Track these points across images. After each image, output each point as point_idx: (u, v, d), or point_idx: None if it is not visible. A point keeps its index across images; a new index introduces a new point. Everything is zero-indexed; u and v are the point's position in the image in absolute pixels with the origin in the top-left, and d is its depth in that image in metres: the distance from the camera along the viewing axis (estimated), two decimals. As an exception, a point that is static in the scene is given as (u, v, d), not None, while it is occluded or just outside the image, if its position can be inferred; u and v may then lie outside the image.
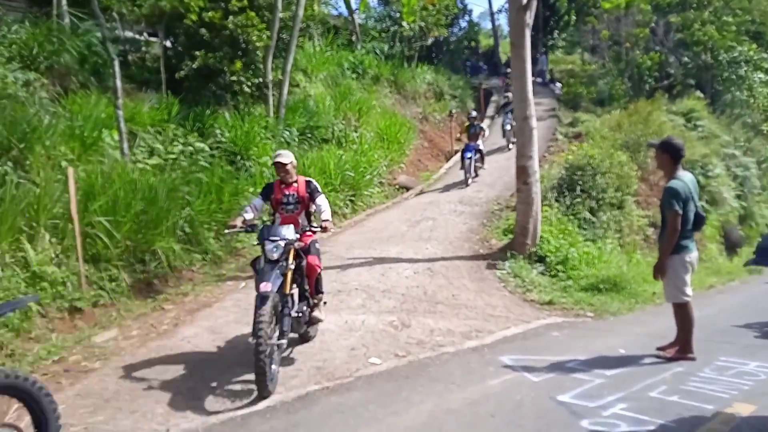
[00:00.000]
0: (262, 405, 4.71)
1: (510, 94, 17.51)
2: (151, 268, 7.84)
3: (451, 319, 7.19)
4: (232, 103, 12.32)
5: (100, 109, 9.39)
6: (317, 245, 5.95)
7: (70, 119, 8.87)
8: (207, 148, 10.76)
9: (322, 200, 5.86)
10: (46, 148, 7.94)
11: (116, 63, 9.14)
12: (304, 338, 6.10)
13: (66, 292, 6.66)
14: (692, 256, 5.57)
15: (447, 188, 14.99)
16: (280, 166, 5.85)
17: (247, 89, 12.42)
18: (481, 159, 15.70)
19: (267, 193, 6.03)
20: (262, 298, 4.87)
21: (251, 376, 5.08)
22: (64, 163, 7.87)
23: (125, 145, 9.09)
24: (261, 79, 12.75)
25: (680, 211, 5.36)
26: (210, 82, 11.89)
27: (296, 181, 5.95)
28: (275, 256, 5.16)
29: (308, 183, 5.97)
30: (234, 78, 12.02)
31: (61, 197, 7.24)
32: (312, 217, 6.16)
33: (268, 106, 12.89)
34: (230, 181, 10.04)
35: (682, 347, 5.68)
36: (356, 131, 15.32)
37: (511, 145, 16.93)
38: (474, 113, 16.80)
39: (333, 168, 12.59)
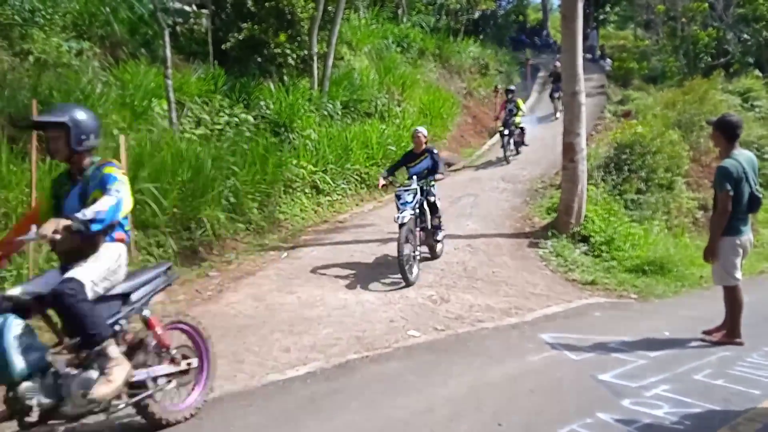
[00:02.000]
0: (302, 371, 4.80)
1: (558, 63, 17.04)
2: (196, 235, 8.03)
3: (490, 295, 7.16)
4: (276, 76, 12.38)
5: (150, 79, 9.57)
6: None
7: (122, 88, 9.08)
8: (252, 120, 10.89)
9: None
10: (99, 116, 8.11)
11: (166, 33, 9.27)
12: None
13: (116, 257, 6.87)
14: (743, 239, 5.35)
15: (489, 165, 14.86)
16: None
17: (291, 61, 12.46)
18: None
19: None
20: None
21: (292, 343, 5.33)
22: (115, 131, 8.06)
23: (174, 115, 9.26)
24: (306, 52, 12.76)
25: (731, 192, 5.16)
26: (255, 54, 11.98)
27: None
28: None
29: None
30: (279, 50, 12.07)
31: (112, 164, 7.44)
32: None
33: (312, 78, 12.91)
34: (274, 153, 10.15)
35: (729, 331, 5.53)
36: (399, 105, 15.25)
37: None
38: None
39: (375, 142, 12.59)
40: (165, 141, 8.53)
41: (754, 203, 5.34)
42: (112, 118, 8.37)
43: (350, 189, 11.74)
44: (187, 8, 12.58)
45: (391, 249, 8.64)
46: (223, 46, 11.59)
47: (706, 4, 21.65)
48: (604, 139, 13.86)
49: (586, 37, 22.59)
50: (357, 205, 11.57)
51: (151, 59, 10.35)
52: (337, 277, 7.49)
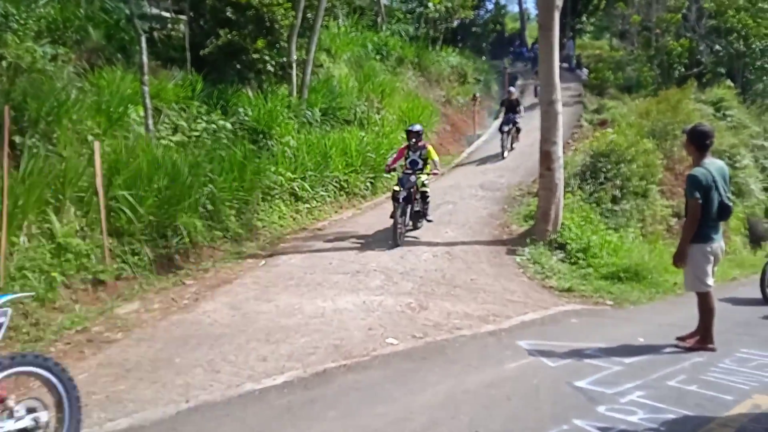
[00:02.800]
0: (279, 380, 4.77)
1: (513, 89, 17.54)
2: (173, 243, 7.94)
3: (468, 302, 7.19)
4: (255, 82, 12.34)
5: (126, 85, 9.47)
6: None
7: (97, 94, 8.97)
8: (230, 126, 10.83)
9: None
10: (73, 122, 8.04)
11: (143, 39, 9.20)
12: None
13: (90, 265, 6.78)
14: (714, 246, 5.44)
15: (478, 164, 15.86)
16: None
17: (270, 68, 12.43)
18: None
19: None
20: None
21: (269, 352, 5.33)
22: (90, 138, 7.97)
23: (150, 121, 9.17)
24: (285, 59, 12.75)
25: (700, 200, 5.25)
26: (234, 61, 11.92)
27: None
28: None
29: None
30: (258, 56, 12.03)
31: (86, 171, 7.36)
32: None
33: (291, 85, 12.89)
34: (252, 160, 10.10)
35: (702, 337, 5.61)
36: (379, 113, 15.28)
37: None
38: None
39: (354, 149, 12.59)
40: (141, 147, 8.44)
41: (724, 211, 5.42)
42: (86, 124, 8.29)
43: (329, 196, 11.71)
44: (164, 14, 12.53)
45: (370, 256, 8.66)
46: (201, 52, 11.51)
47: (680, 16, 22.08)
48: (580, 148, 14.04)
49: (562, 47, 22.87)
50: (336, 212, 11.55)
51: (128, 65, 10.24)
52: (315, 284, 7.45)
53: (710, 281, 5.47)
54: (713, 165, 5.44)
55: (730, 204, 5.46)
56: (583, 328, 6.60)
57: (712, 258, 5.45)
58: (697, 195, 5.25)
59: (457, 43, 23.92)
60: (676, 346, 5.68)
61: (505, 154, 15.80)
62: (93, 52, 10.22)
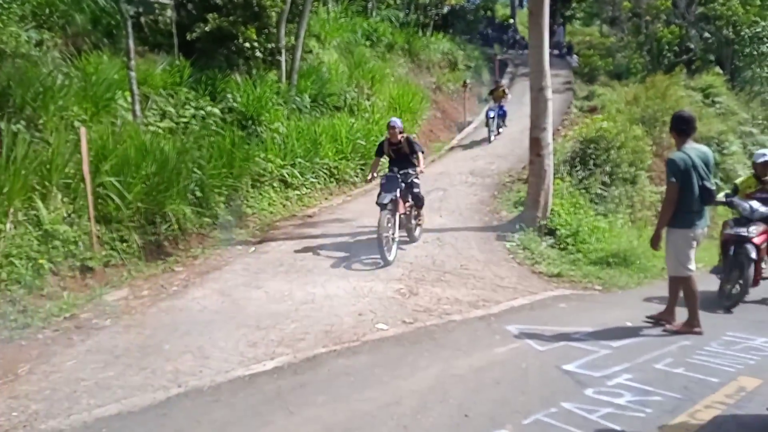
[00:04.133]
0: (269, 365, 4.77)
1: (504, 82, 18.18)
2: (161, 230, 7.90)
3: (459, 288, 7.21)
4: (244, 68, 12.23)
5: (113, 71, 9.35)
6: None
7: (83, 80, 8.85)
8: (218, 113, 10.74)
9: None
10: (59, 108, 7.94)
11: (129, 24, 9.07)
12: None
13: (77, 252, 6.73)
14: (698, 232, 5.49)
15: (467, 149, 16.03)
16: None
17: (259, 54, 12.31)
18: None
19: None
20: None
21: (259, 338, 5.32)
22: (76, 124, 7.88)
23: (137, 108, 9.08)
24: (274, 44, 12.62)
25: (675, 183, 5.32)
26: (222, 46, 11.80)
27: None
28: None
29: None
30: (246, 43, 11.91)
31: (73, 157, 7.28)
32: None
33: (280, 71, 12.79)
34: (241, 146, 10.04)
35: (688, 321, 5.67)
36: (369, 99, 15.21)
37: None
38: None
39: (344, 136, 12.54)
40: (128, 134, 8.36)
41: (706, 195, 5.45)
42: (73, 110, 8.18)
43: (319, 183, 11.69)
44: (151, -1, 12.35)
45: (360, 242, 8.66)
46: (188, 37, 11.38)
47: (670, 2, 22.09)
48: (570, 134, 14.06)
49: (553, 34, 22.88)
50: (326, 199, 11.53)
51: (114, 50, 10.11)
52: (305, 271, 7.45)
53: (692, 266, 5.53)
54: (694, 150, 5.48)
55: (713, 188, 5.48)
56: (571, 312, 6.64)
57: (695, 243, 5.51)
58: (673, 179, 5.32)
59: (448, 29, 23.78)
60: (664, 330, 5.73)
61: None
62: (79, 37, 10.08)
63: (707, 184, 5.41)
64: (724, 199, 7.18)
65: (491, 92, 17.61)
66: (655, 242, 5.63)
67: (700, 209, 5.47)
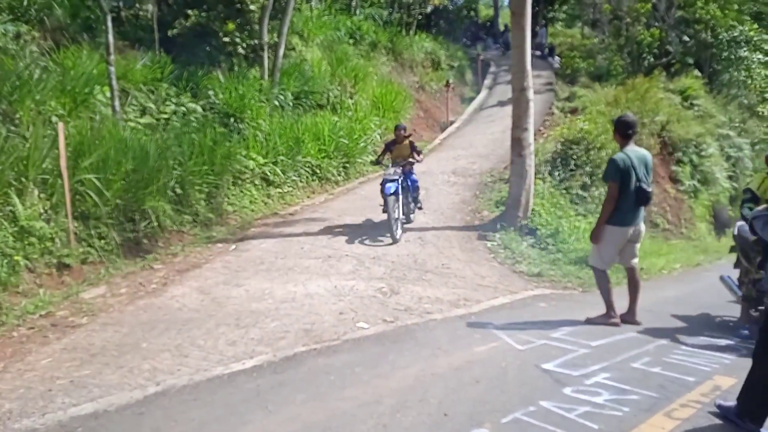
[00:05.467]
0: (249, 364, 4.74)
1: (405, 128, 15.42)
2: (140, 227, 7.81)
3: (439, 287, 7.23)
4: (226, 65, 12.15)
5: (92, 66, 9.24)
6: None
7: (62, 74, 8.73)
8: (200, 109, 10.66)
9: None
10: (37, 103, 7.82)
11: (108, 18, 8.95)
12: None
13: (54, 248, 6.64)
14: (632, 230, 5.73)
15: (451, 150, 15.12)
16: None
17: (241, 51, 12.25)
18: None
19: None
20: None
21: (239, 336, 5.31)
22: (54, 119, 7.77)
23: (117, 103, 8.97)
24: (256, 41, 12.56)
25: (615, 182, 5.55)
26: (204, 42, 11.72)
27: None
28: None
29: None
30: (228, 39, 11.82)
31: (50, 153, 7.16)
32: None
33: (263, 68, 12.72)
34: (223, 144, 9.96)
35: (605, 312, 5.96)
36: (352, 98, 15.19)
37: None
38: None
39: (327, 134, 12.51)
40: (107, 129, 8.25)
41: (642, 197, 5.68)
42: (50, 104, 8.07)
43: (301, 181, 11.64)
44: (131, -7, 12.22)
45: (341, 241, 8.64)
46: (169, 32, 11.28)
47: (650, 6, 22.33)
48: (551, 135, 14.16)
49: (535, 35, 23.03)
50: (308, 197, 11.49)
51: (94, 45, 9.99)
52: (286, 269, 7.41)
53: (607, 261, 5.87)
54: (635, 152, 5.73)
55: (649, 190, 5.71)
56: (551, 311, 6.69)
57: (620, 241, 5.75)
58: (611, 178, 5.59)
59: (431, 28, 23.84)
60: (586, 320, 6.00)
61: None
62: (57, 30, 9.96)
63: (644, 185, 5.67)
64: (747, 217, 4.98)
65: (387, 148, 9.84)
66: (594, 237, 5.85)
67: (633, 208, 5.70)
